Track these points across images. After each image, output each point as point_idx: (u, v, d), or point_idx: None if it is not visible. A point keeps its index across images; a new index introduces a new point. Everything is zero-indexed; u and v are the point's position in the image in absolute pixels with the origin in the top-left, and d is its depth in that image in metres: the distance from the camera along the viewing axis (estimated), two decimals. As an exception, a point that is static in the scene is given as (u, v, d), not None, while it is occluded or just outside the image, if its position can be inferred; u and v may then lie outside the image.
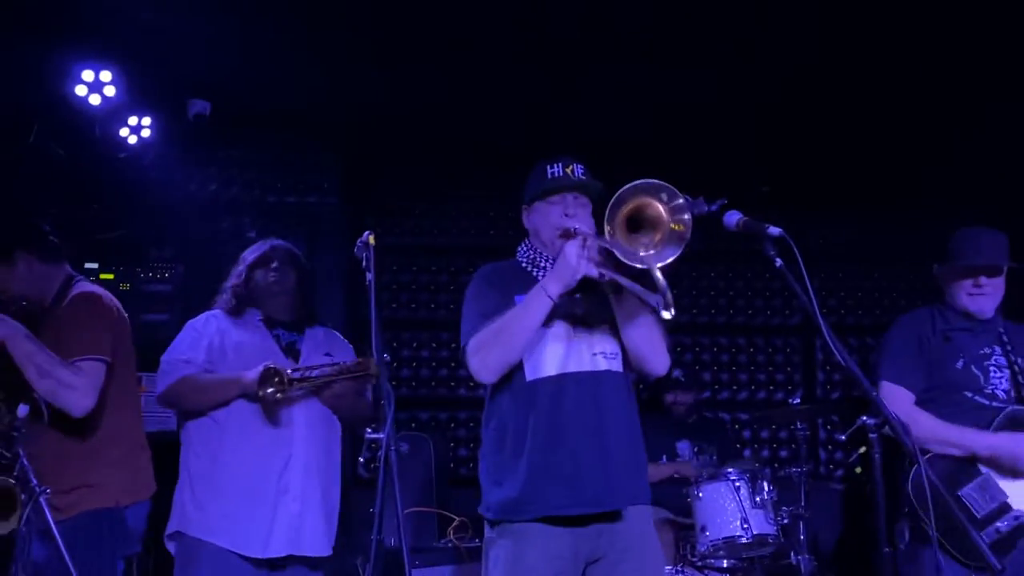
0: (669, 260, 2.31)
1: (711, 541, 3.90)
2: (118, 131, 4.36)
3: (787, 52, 4.15)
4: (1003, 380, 3.08)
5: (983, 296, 3.09)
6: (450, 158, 5.11)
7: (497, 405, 2.63)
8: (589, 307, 2.59)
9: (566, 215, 2.60)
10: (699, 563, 4.01)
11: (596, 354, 2.58)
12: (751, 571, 4.14)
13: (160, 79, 4.31)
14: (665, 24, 3.99)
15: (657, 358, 2.60)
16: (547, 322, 2.52)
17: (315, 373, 2.98)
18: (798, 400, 4.21)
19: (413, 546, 3.08)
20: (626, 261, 2.32)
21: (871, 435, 2.08)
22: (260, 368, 2.91)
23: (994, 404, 3.05)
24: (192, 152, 4.80)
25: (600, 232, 2.40)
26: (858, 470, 4.39)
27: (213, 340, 3.10)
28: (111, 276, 4.69)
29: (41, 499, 2.24)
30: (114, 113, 4.23)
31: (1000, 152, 4.67)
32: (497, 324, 2.50)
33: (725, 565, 4.01)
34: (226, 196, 5.02)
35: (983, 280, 3.08)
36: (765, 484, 3.92)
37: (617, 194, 2.32)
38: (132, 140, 4.42)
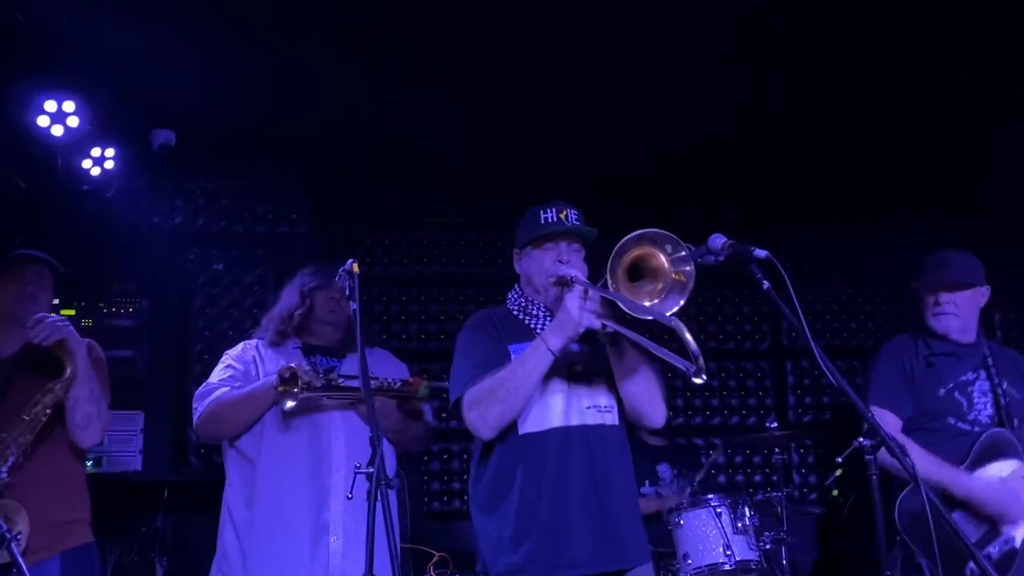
0: (673, 311, 2.26)
1: (694, 569, 3.86)
2: (81, 163, 4.25)
3: (751, 75, 4.20)
4: (987, 405, 3.07)
5: (945, 315, 3.11)
6: (421, 188, 5.08)
7: (489, 459, 2.56)
8: (584, 359, 2.55)
9: (560, 262, 2.55)
10: (681, 592, 3.97)
11: (590, 407, 2.53)
12: (734, 598, 4.11)
13: (124, 109, 4.22)
14: (630, 55, 4.02)
15: (655, 411, 2.56)
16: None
17: (346, 384, 2.88)
18: (775, 424, 4.23)
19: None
20: (631, 313, 2.27)
21: (867, 456, 2.07)
22: (283, 367, 2.84)
23: (976, 430, 3.04)
24: (157, 183, 4.69)
25: (595, 280, 2.36)
26: (835, 493, 4.41)
27: (249, 369, 3.03)
28: (72, 312, 4.56)
29: (12, 545, 2.14)
30: (77, 144, 4.12)
31: (970, 169, 4.76)
32: (495, 379, 2.43)
33: (708, 593, 3.98)
34: (192, 227, 4.91)
35: (943, 297, 3.10)
36: (746, 509, 3.91)
37: (619, 244, 2.27)
38: (95, 172, 4.30)
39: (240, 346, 3.15)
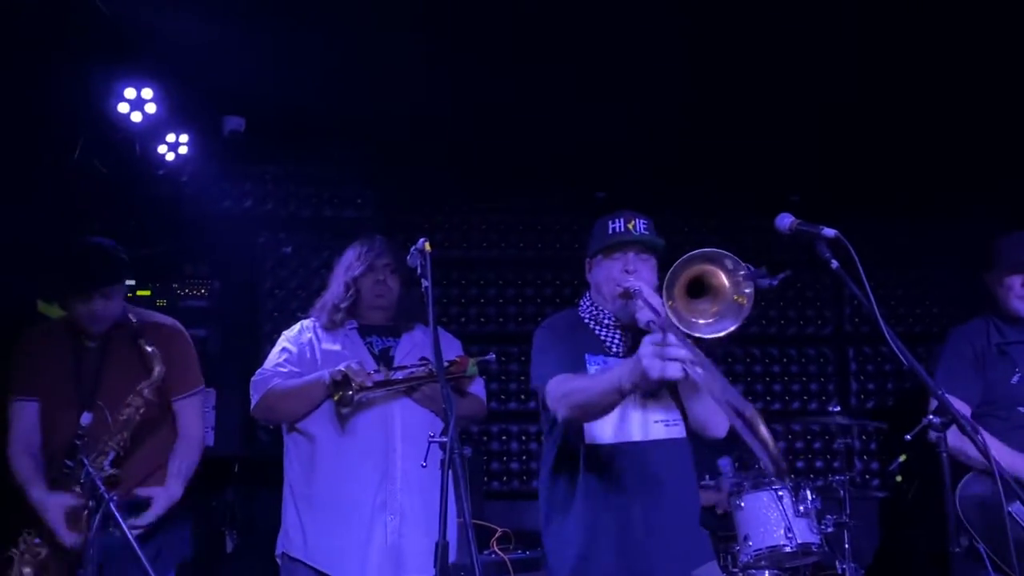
0: (727, 331, 2.23)
1: (755, 551, 3.87)
2: (156, 148, 4.41)
3: (818, 56, 4.14)
4: None
5: None
6: (482, 173, 5.14)
7: (557, 467, 2.62)
8: None
9: (627, 271, 2.57)
10: (740, 574, 3.98)
11: (657, 422, 2.56)
12: (794, 581, 4.11)
13: (197, 96, 4.36)
14: (692, 31, 4.00)
15: (719, 425, 2.56)
16: None
17: (399, 375, 2.94)
18: (838, 408, 4.19)
19: (456, 560, 3.05)
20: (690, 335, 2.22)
21: (936, 434, 2.06)
22: (335, 369, 2.91)
23: None
24: (228, 168, 4.83)
25: (659, 290, 2.32)
26: (899, 479, 4.36)
27: (304, 351, 3.09)
28: (148, 292, 4.72)
29: (111, 505, 2.26)
30: (153, 130, 4.27)
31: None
32: (576, 386, 2.43)
33: (767, 576, 3.99)
34: (261, 211, 5.05)
35: None
36: (808, 493, 3.91)
37: (678, 262, 2.24)
38: (170, 157, 4.46)
39: (297, 327, 3.20)
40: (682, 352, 2.14)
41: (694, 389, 2.49)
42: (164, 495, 2.82)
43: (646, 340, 2.22)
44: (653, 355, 2.15)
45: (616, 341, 2.63)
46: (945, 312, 5.62)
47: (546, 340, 2.65)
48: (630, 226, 2.61)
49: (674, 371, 2.14)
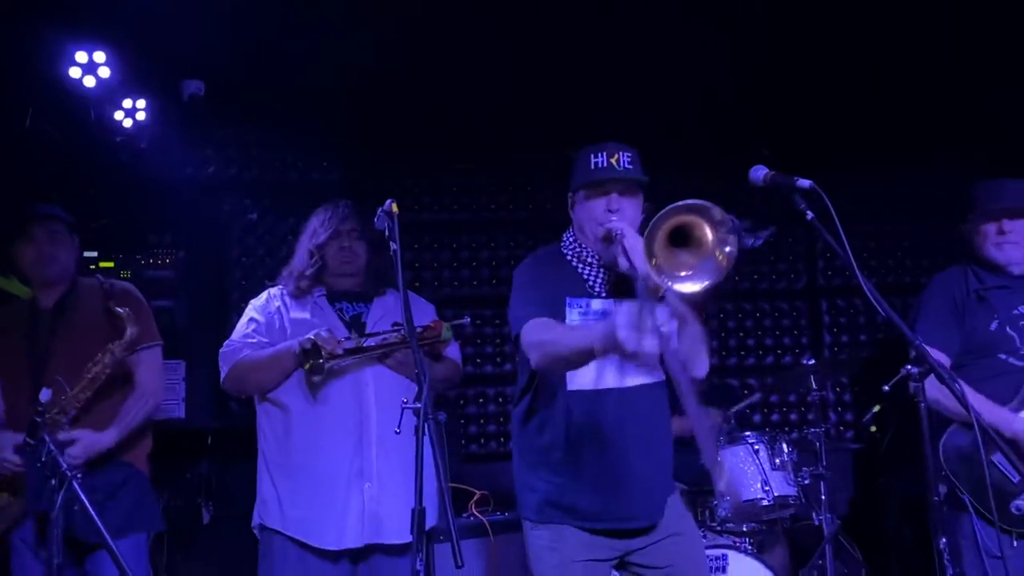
0: (702, 287, 2.14)
1: (732, 505, 3.90)
2: (113, 114, 4.26)
3: (783, 9, 4.08)
4: None
5: (1009, 244, 3.03)
6: (451, 133, 5.04)
7: (534, 407, 2.59)
8: None
9: (610, 211, 2.49)
10: (719, 528, 4.01)
11: (639, 366, 2.51)
12: (772, 533, 4.15)
13: (153, 60, 4.21)
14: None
15: (700, 363, 2.53)
16: None
17: (370, 342, 2.90)
18: (812, 361, 4.20)
19: (435, 523, 3.03)
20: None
21: (913, 384, 2.05)
22: (304, 338, 2.86)
23: None
24: (189, 134, 4.69)
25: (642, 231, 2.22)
26: (873, 429, 4.40)
27: (272, 320, 3.04)
28: (111, 264, 4.61)
29: (74, 482, 2.21)
30: (109, 95, 4.13)
31: (1011, 101, 4.62)
32: (552, 339, 2.37)
33: (745, 529, 4.02)
34: (225, 177, 4.92)
35: (1007, 225, 3.02)
36: (784, 446, 3.94)
37: (661, 213, 2.13)
38: (127, 123, 4.32)
39: (264, 296, 3.15)
40: (660, 321, 2.07)
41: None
42: (90, 437, 2.79)
43: (622, 309, 2.14)
44: (629, 326, 2.02)
45: (598, 281, 2.57)
46: (917, 264, 5.66)
47: (526, 279, 2.59)
48: (613, 161, 2.50)
49: (651, 346, 2.02)
